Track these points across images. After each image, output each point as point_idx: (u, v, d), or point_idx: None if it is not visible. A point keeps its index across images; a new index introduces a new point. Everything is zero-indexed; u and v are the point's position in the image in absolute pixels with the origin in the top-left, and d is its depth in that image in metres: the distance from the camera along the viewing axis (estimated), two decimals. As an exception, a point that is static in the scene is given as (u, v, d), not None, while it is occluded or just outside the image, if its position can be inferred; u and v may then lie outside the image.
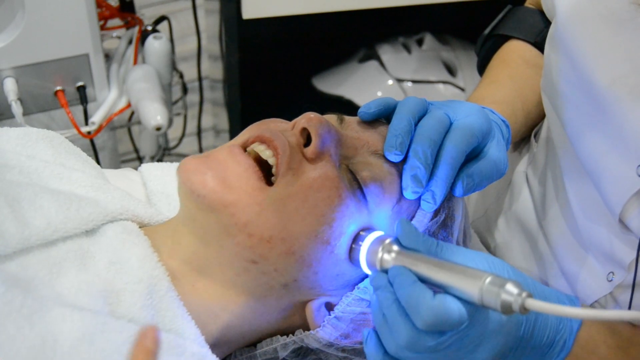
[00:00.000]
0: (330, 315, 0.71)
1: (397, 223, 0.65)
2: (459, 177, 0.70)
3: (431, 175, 0.69)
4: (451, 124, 0.71)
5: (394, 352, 0.63)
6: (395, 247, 0.64)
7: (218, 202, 0.66)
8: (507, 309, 0.57)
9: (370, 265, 0.67)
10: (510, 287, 0.56)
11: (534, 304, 0.56)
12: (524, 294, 0.56)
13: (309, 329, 0.72)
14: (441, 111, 0.72)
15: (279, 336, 0.74)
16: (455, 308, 0.59)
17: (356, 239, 0.68)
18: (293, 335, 0.73)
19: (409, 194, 0.69)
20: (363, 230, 0.68)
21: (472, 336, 0.61)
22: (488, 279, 0.58)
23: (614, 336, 0.70)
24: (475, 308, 0.60)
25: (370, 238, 0.67)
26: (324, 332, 0.71)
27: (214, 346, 0.69)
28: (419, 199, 0.70)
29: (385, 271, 0.64)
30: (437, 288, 0.61)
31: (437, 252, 0.63)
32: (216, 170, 0.67)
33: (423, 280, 0.62)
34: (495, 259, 0.65)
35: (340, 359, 0.74)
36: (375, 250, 0.66)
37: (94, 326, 0.60)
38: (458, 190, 0.71)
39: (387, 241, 0.65)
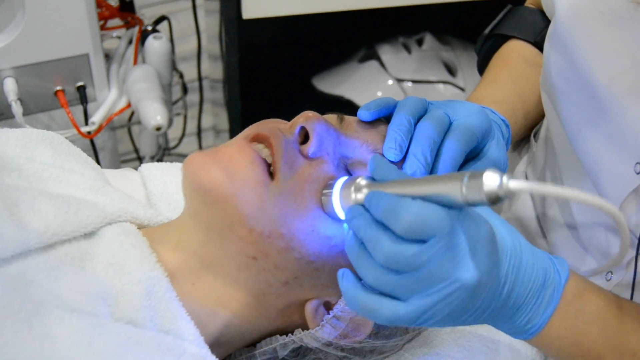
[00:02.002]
0: (329, 314, 0.71)
1: (370, 159, 0.63)
2: (458, 177, 0.70)
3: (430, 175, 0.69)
4: (451, 123, 0.71)
5: (371, 280, 0.58)
6: (366, 182, 0.61)
7: (222, 195, 0.66)
8: (493, 197, 0.53)
9: (345, 209, 0.64)
10: (490, 175, 0.53)
11: (519, 184, 0.52)
12: (504, 178, 0.53)
13: (308, 329, 0.72)
14: (441, 111, 0.72)
15: (278, 336, 0.74)
16: (439, 208, 0.55)
17: (325, 188, 0.66)
18: (292, 334, 0.73)
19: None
20: (330, 181, 0.67)
21: (456, 246, 0.56)
22: (466, 175, 0.54)
23: (602, 293, 0.67)
24: (457, 213, 0.56)
25: (339, 183, 0.65)
26: (323, 331, 0.71)
27: (214, 346, 0.69)
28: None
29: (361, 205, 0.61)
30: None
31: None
32: (223, 163, 0.67)
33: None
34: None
35: (339, 359, 0.74)
36: (348, 193, 0.63)
37: (92, 329, 0.60)
38: None
39: (358, 180, 0.62)
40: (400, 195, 0.57)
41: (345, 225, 0.64)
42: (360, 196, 0.61)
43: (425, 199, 0.56)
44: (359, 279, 0.60)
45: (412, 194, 0.57)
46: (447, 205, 0.55)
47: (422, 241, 0.56)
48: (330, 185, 0.66)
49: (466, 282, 0.56)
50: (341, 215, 0.65)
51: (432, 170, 0.69)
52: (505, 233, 0.62)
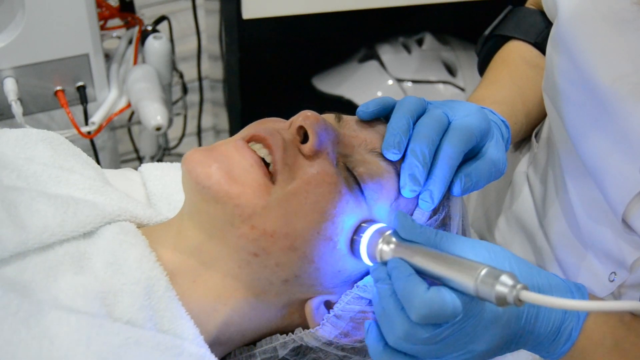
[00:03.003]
0: (329, 313, 0.71)
1: (395, 215, 0.66)
2: (457, 177, 0.70)
3: (429, 174, 0.69)
4: (450, 123, 0.71)
5: (393, 344, 0.63)
6: (394, 239, 0.65)
7: (223, 194, 0.66)
8: (501, 301, 0.56)
9: (371, 257, 0.67)
10: (505, 279, 0.56)
11: (529, 295, 0.55)
12: (518, 286, 0.56)
13: (308, 328, 0.72)
14: (440, 110, 0.72)
15: (278, 335, 0.74)
16: (449, 300, 0.60)
17: (357, 230, 0.68)
18: (292, 333, 0.73)
19: (406, 193, 0.69)
20: (364, 222, 0.69)
21: (469, 328, 0.61)
22: (483, 271, 0.58)
23: (622, 327, 0.69)
24: (470, 299, 0.60)
25: (370, 230, 0.67)
26: (324, 330, 0.71)
27: (213, 345, 0.69)
28: (417, 197, 0.70)
29: (385, 263, 0.65)
30: (435, 280, 0.62)
31: (436, 242, 0.64)
32: (222, 162, 0.67)
33: (420, 271, 0.62)
34: (497, 247, 0.65)
35: (339, 358, 0.74)
36: (376, 242, 0.66)
37: (90, 329, 0.60)
38: (456, 190, 0.71)
39: (387, 233, 0.66)
40: (419, 270, 0.62)
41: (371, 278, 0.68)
42: (386, 249, 0.65)
43: (442, 279, 0.61)
44: (382, 334, 0.65)
45: (430, 272, 0.61)
46: (460, 291, 0.60)
47: (438, 324, 0.61)
48: (361, 229, 0.68)
49: (480, 351, 0.63)
50: (365, 259, 0.68)
51: (430, 169, 0.69)
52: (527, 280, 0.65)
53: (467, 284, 0.58)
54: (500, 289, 0.56)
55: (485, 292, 0.57)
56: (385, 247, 0.65)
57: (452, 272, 0.60)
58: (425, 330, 0.61)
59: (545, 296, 0.55)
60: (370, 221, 0.69)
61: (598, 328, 0.67)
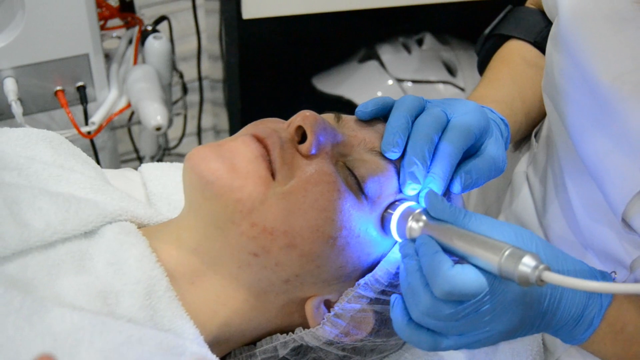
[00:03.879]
0: (329, 313, 0.71)
1: (425, 194, 0.67)
2: (457, 174, 0.71)
3: (429, 172, 0.69)
4: (448, 121, 0.72)
5: (416, 318, 0.64)
6: (423, 217, 0.66)
7: (226, 188, 0.66)
8: (524, 280, 0.57)
9: (401, 233, 0.69)
10: (528, 260, 0.57)
11: (551, 276, 0.56)
12: (541, 267, 0.57)
13: (308, 327, 0.72)
14: (438, 109, 0.72)
15: (278, 334, 0.74)
16: (474, 278, 0.61)
17: (390, 206, 0.70)
18: (293, 333, 0.73)
19: (407, 191, 0.70)
20: (397, 200, 0.70)
21: (491, 306, 0.62)
22: (507, 251, 0.59)
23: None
24: (494, 278, 0.61)
25: (401, 207, 0.69)
26: (324, 330, 0.71)
27: (213, 344, 0.69)
28: (417, 195, 0.70)
29: (414, 240, 0.66)
30: (461, 258, 0.63)
31: (464, 222, 0.64)
32: (226, 157, 0.68)
33: (447, 249, 0.63)
34: (524, 230, 0.65)
35: (339, 358, 0.74)
36: (406, 219, 0.68)
37: (93, 326, 0.60)
38: (456, 187, 0.71)
39: (417, 211, 0.67)
40: (446, 248, 0.63)
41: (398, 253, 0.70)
42: (415, 227, 0.67)
43: (467, 258, 0.62)
44: (406, 308, 0.66)
45: (456, 250, 0.63)
46: (485, 269, 0.61)
47: (460, 302, 0.62)
48: (394, 206, 0.70)
49: (501, 330, 0.63)
50: (395, 235, 0.70)
51: (429, 168, 0.69)
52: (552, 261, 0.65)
53: (491, 263, 0.60)
54: (523, 268, 0.57)
55: (509, 272, 0.58)
56: (415, 225, 0.66)
57: (478, 250, 0.61)
58: (448, 307, 0.62)
59: (567, 277, 0.56)
60: (402, 199, 0.70)
61: (620, 316, 0.67)
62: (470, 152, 0.73)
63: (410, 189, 0.69)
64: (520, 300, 0.63)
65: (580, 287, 0.56)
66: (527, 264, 0.57)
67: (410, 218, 0.67)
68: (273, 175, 0.68)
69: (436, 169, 0.69)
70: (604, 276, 0.68)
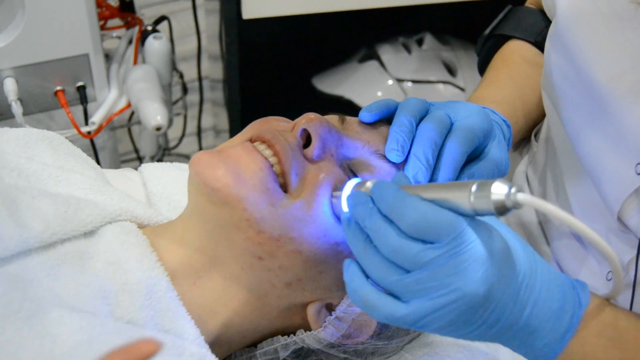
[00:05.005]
0: (331, 315, 0.71)
1: (393, 176, 0.63)
2: (460, 178, 0.70)
3: (432, 176, 0.69)
4: (452, 124, 0.71)
5: (374, 276, 0.58)
6: (375, 180, 0.62)
7: (232, 196, 0.66)
8: (500, 207, 0.53)
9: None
10: (498, 186, 0.53)
11: (526, 197, 0.53)
12: (513, 190, 0.53)
13: (310, 330, 0.72)
14: (442, 112, 0.72)
15: (279, 336, 0.73)
16: (446, 213, 0.55)
17: (335, 192, 0.66)
18: (294, 335, 0.73)
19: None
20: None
21: (461, 254, 0.55)
22: (475, 185, 0.55)
23: (623, 317, 0.66)
24: (465, 220, 0.56)
25: (350, 184, 0.65)
26: (325, 332, 0.71)
27: (214, 345, 0.69)
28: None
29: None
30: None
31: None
32: (230, 165, 0.67)
33: None
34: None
35: (340, 360, 0.74)
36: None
37: (92, 327, 0.60)
38: None
39: (368, 183, 0.62)
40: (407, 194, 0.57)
41: (345, 213, 0.63)
42: (369, 186, 0.61)
43: (435, 202, 0.56)
44: (364, 272, 0.60)
45: (422, 196, 0.56)
46: (457, 212, 0.55)
47: (430, 242, 0.55)
48: (340, 188, 0.66)
49: (469, 293, 0.55)
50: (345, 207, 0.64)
51: (434, 171, 0.69)
52: (521, 251, 0.60)
53: (462, 200, 0.55)
54: (497, 196, 0.53)
55: (482, 204, 0.54)
56: (369, 184, 0.61)
57: (445, 192, 0.56)
58: (416, 245, 0.55)
59: (543, 201, 0.53)
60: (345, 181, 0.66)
61: (599, 318, 0.63)
62: (473, 155, 0.73)
63: None
64: (494, 259, 0.56)
65: (554, 213, 0.53)
66: (498, 192, 0.53)
67: (361, 184, 0.63)
68: (283, 186, 0.67)
69: (440, 173, 0.69)
70: (581, 285, 0.64)
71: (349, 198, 0.62)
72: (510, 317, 0.58)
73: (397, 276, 0.57)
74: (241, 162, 0.67)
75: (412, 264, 0.56)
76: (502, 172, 0.74)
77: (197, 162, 0.68)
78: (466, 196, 0.54)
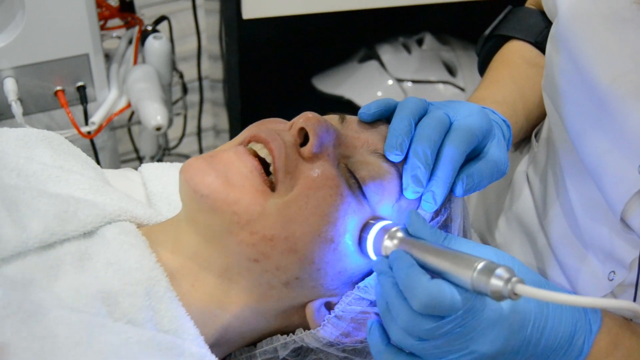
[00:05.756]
0: (330, 314, 0.71)
1: (407, 213, 0.66)
2: (459, 177, 0.70)
3: (431, 175, 0.69)
4: (451, 124, 0.71)
5: (395, 339, 0.63)
6: (399, 234, 0.65)
7: (221, 202, 0.66)
8: (497, 294, 0.56)
9: (377, 253, 0.67)
10: (501, 272, 0.56)
11: (525, 289, 0.55)
12: (514, 279, 0.55)
13: (309, 329, 0.72)
14: (441, 111, 0.72)
15: (279, 335, 0.73)
16: (450, 292, 0.59)
17: (365, 228, 0.68)
18: (293, 334, 0.73)
19: (409, 194, 0.69)
20: (372, 219, 0.69)
21: (471, 324, 0.61)
22: (480, 265, 0.57)
23: (633, 337, 0.68)
24: (472, 295, 0.60)
25: (377, 227, 0.68)
26: (325, 331, 0.71)
27: (213, 346, 0.69)
28: (419, 198, 0.70)
29: (388, 257, 0.65)
30: (436, 274, 0.61)
31: (444, 244, 0.64)
32: (220, 170, 0.67)
33: (422, 265, 0.62)
34: (504, 254, 0.65)
35: (340, 359, 0.74)
36: (381, 238, 0.66)
37: (91, 328, 0.60)
38: (458, 190, 0.71)
39: (393, 229, 0.66)
40: (421, 263, 0.62)
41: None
42: (389, 245, 0.66)
43: (441, 273, 0.60)
44: (384, 332, 0.65)
45: (430, 266, 0.61)
46: (459, 284, 0.60)
47: (440, 317, 0.60)
48: (369, 226, 0.68)
49: (484, 353, 0.62)
50: (372, 255, 0.68)
51: (432, 170, 0.69)
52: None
53: (464, 277, 0.58)
54: (495, 282, 0.56)
55: (481, 286, 0.57)
56: (389, 243, 0.66)
57: (451, 266, 0.59)
58: (427, 321, 0.60)
59: (541, 290, 0.54)
60: (378, 218, 0.69)
61: (610, 339, 0.66)
62: (472, 155, 0.73)
63: (413, 192, 0.69)
64: (503, 321, 0.62)
65: (555, 299, 0.54)
66: (499, 277, 0.55)
67: (386, 237, 0.66)
68: (272, 186, 0.67)
69: (439, 172, 0.69)
70: (595, 311, 0.66)
71: (375, 265, 0.66)
72: (524, 355, 0.64)
73: (416, 342, 0.62)
74: (232, 166, 0.67)
75: (427, 336, 0.61)
76: (502, 172, 0.74)
77: (187, 168, 0.68)
78: (469, 273, 0.58)
